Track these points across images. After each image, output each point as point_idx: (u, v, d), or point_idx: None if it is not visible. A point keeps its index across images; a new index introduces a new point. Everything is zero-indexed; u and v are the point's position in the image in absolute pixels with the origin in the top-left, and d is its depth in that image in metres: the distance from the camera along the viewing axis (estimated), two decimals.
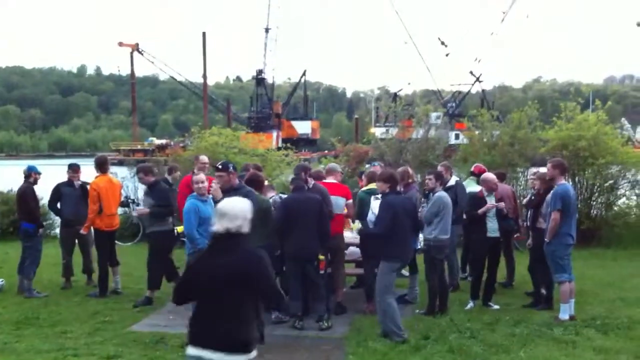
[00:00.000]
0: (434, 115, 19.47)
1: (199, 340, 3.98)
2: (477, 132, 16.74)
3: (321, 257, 8.17)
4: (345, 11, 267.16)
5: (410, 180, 9.26)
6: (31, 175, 10.11)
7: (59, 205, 10.59)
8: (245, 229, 4.06)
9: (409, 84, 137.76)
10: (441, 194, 8.63)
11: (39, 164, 11.63)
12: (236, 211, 4.08)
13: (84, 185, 10.44)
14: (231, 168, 7.20)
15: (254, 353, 4.04)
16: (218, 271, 3.96)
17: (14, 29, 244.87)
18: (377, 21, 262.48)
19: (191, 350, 4.01)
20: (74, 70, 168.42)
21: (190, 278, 4.16)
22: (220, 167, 7.16)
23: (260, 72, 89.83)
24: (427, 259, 8.74)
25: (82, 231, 10.04)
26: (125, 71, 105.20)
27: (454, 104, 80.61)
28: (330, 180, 9.17)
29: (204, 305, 4.06)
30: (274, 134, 77.73)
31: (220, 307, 3.96)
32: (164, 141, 75.37)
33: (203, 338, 3.97)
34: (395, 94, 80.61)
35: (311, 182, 8.68)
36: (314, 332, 7.90)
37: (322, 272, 8.22)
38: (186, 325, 4.11)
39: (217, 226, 4.04)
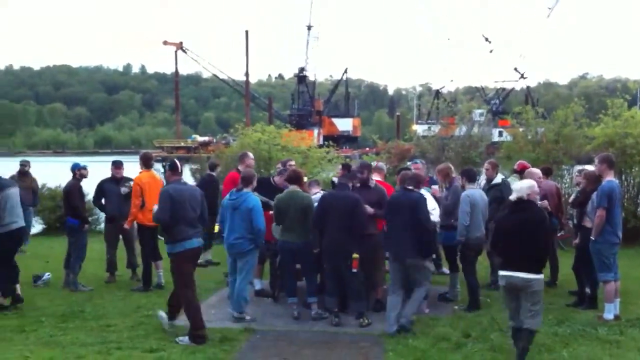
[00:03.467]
0: (477, 112, 19.33)
1: (510, 266, 6.37)
2: (521, 130, 16.53)
3: (355, 255, 8.13)
4: (387, 8, 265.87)
5: (453, 175, 9.28)
6: (76, 172, 10.31)
7: (103, 201, 10.77)
8: (526, 197, 6.42)
9: (451, 81, 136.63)
10: (467, 192, 8.64)
11: (84, 160, 11.84)
12: (522, 186, 6.56)
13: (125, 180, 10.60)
14: (166, 167, 7.90)
15: (542, 275, 6.48)
16: (518, 222, 6.35)
17: (61, 28, 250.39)
18: (420, 17, 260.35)
19: (503, 272, 6.46)
20: (120, 69, 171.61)
21: (502, 230, 6.57)
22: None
23: (302, 69, 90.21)
24: (461, 257, 8.80)
25: (125, 225, 10.20)
26: (169, 69, 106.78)
27: (497, 101, 79.68)
28: (375, 177, 9.21)
29: (511, 242, 6.37)
30: (315, 131, 77.90)
31: (525, 243, 6.29)
32: (206, 138, 76.33)
33: (514, 265, 6.33)
34: (437, 91, 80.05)
35: (372, 181, 8.79)
36: (353, 329, 7.90)
37: (354, 270, 8.15)
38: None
39: (513, 196, 6.54)
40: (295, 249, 8.29)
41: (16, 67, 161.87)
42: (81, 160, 11.73)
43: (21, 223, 9.07)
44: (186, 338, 7.26)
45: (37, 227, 16.00)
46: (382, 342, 7.37)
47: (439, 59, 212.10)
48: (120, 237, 10.73)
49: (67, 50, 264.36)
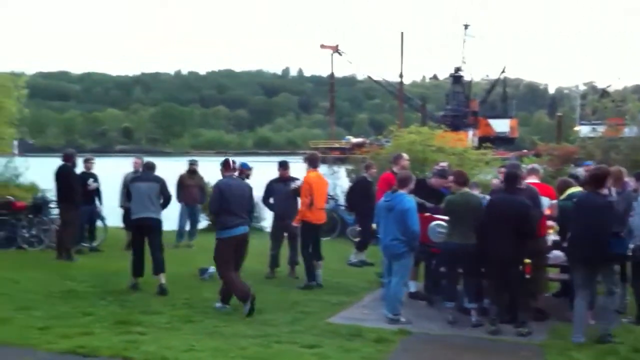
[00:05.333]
0: None
1: None
2: None
3: (527, 260, 7.84)
4: (547, 2, 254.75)
5: (625, 179, 8.75)
6: (243, 172, 10.78)
7: (271, 200, 11.21)
8: None
9: (619, 78, 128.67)
10: None
11: (243, 160, 12.33)
12: None
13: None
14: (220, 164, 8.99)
15: None
16: None
17: (226, 34, 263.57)
18: (582, 11, 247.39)
19: None
20: (279, 73, 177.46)
21: None
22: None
23: (457, 69, 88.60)
24: (633, 265, 8.21)
25: (293, 223, 10.50)
26: (325, 72, 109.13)
27: None
28: (532, 180, 8.88)
29: None
30: (470, 132, 76.11)
31: None
32: (359, 139, 77.00)
33: None
34: (603, 90, 75.64)
35: (524, 182, 8.49)
36: (512, 337, 7.64)
37: (527, 276, 7.88)
38: None
39: None
40: (460, 251, 8.10)
41: (184, 72, 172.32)
42: (241, 160, 12.26)
43: (144, 215, 9.89)
44: (220, 304, 8.68)
45: (203, 223, 16.85)
46: (543, 353, 7.09)
47: (605, 55, 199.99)
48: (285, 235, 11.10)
49: (230, 55, 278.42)
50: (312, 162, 10.60)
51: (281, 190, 11.00)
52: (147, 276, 10.01)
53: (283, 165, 11.22)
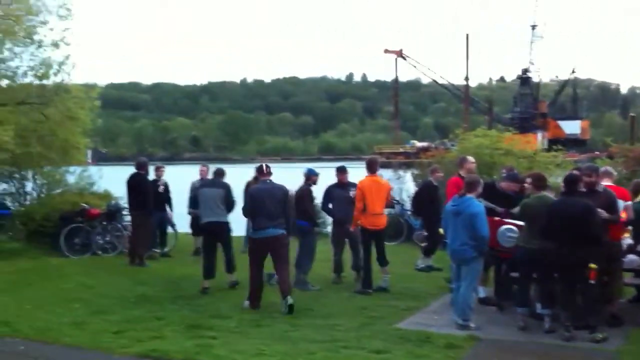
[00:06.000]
0: None
1: None
2: None
3: (592, 266, 7.59)
4: (618, 1, 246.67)
5: None
6: (310, 178, 10.86)
7: (330, 205, 11.24)
8: None
9: None
10: None
11: (309, 166, 12.39)
12: None
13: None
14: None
15: None
16: None
17: (290, 42, 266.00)
18: None
19: None
20: (343, 78, 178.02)
21: None
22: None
23: (525, 70, 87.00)
24: None
25: (350, 229, 10.54)
26: (389, 77, 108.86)
27: None
28: (605, 182, 8.61)
29: None
30: (539, 134, 74.50)
31: None
32: (425, 144, 76.51)
33: None
34: None
35: (601, 185, 8.24)
36: (586, 344, 7.41)
37: (592, 282, 7.60)
38: None
39: None
40: (534, 256, 7.92)
41: (250, 80, 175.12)
42: (306, 165, 12.34)
43: (212, 219, 10.46)
44: (247, 302, 9.09)
45: None
46: (618, 359, 6.85)
47: None
48: (347, 239, 11.10)
49: (295, 62, 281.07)
50: (370, 167, 10.55)
51: (340, 195, 10.98)
52: (215, 281, 10.21)
53: (341, 170, 11.20)
